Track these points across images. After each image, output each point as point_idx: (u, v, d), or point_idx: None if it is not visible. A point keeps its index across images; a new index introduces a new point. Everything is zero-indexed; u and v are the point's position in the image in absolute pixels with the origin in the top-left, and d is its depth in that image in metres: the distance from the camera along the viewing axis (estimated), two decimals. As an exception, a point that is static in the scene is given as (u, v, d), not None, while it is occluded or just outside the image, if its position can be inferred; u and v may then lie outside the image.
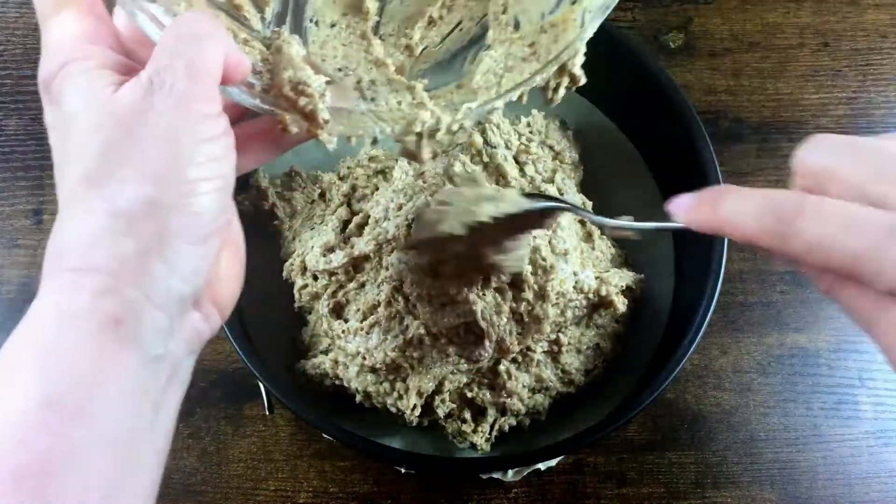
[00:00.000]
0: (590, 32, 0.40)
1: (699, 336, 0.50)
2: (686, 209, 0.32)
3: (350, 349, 0.51)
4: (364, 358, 0.50)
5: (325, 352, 0.54)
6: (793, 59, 0.69)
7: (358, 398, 0.52)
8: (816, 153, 0.29)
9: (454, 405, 0.52)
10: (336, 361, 0.52)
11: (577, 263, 0.52)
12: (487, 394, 0.52)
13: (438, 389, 0.51)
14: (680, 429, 0.60)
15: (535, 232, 0.50)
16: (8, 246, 0.62)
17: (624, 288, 0.54)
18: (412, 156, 0.39)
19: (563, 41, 0.41)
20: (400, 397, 0.51)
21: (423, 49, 0.47)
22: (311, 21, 0.43)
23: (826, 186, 0.28)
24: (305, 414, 0.48)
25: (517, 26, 0.44)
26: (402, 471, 0.57)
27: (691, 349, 0.50)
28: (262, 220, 0.58)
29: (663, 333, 0.57)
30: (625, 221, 0.39)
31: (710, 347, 0.61)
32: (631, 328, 0.57)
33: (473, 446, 0.53)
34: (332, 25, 0.44)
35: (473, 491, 0.57)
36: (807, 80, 0.68)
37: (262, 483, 0.58)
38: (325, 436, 0.57)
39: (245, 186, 0.58)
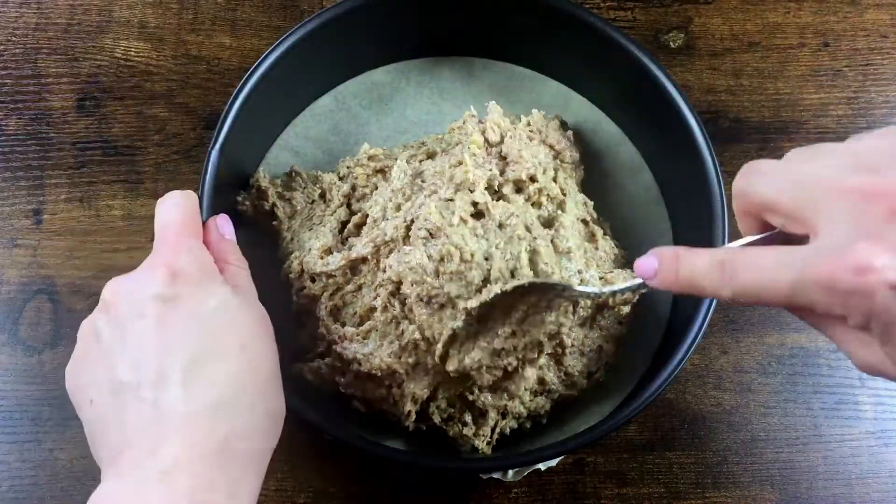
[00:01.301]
0: None
1: (699, 336, 0.50)
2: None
3: (347, 354, 0.50)
4: (360, 364, 0.50)
5: (322, 355, 0.53)
6: (793, 59, 0.69)
7: (355, 403, 0.52)
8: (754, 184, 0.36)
9: (453, 409, 0.52)
10: (333, 367, 0.51)
11: (581, 263, 0.52)
12: (489, 396, 0.52)
13: (433, 396, 0.51)
14: (680, 429, 0.60)
15: (535, 231, 0.50)
16: (8, 246, 0.62)
17: (627, 288, 0.54)
18: None
19: None
20: (395, 403, 0.51)
21: None
22: None
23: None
24: (305, 414, 0.48)
25: None
26: (403, 471, 0.57)
27: (691, 349, 0.50)
28: (262, 220, 0.58)
29: (663, 333, 0.57)
30: (589, 288, 0.47)
31: (710, 347, 0.61)
32: (631, 328, 0.57)
33: (475, 449, 0.53)
34: None
35: (473, 491, 0.57)
36: (807, 80, 0.68)
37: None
38: (325, 436, 0.56)
39: (245, 186, 0.58)
